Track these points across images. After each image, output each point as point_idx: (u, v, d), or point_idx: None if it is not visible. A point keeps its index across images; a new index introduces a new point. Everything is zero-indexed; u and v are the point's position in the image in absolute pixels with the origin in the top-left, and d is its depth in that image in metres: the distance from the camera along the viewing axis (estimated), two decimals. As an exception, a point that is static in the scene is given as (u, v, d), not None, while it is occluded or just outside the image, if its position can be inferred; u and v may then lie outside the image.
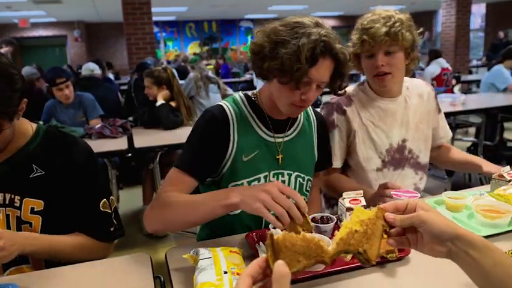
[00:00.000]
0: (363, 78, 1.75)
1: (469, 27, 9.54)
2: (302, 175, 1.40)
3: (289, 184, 1.37)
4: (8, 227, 1.21)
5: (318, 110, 1.64)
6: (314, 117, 1.47)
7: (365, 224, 0.77)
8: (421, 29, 1.60)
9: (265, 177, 1.33)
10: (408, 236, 0.82)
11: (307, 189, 1.44)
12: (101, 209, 1.29)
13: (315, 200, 1.56)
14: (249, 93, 1.37)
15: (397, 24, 1.48)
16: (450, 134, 1.85)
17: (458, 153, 1.86)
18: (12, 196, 1.20)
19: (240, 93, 1.38)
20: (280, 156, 1.34)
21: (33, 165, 1.22)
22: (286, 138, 1.36)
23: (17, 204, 1.20)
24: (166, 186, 1.24)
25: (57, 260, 1.23)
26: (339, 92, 1.30)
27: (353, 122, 1.63)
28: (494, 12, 14.33)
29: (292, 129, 1.38)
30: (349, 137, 1.65)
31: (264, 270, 0.62)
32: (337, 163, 1.66)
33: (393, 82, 1.59)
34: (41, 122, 3.36)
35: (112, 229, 1.32)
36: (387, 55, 1.52)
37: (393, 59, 1.52)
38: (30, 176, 1.21)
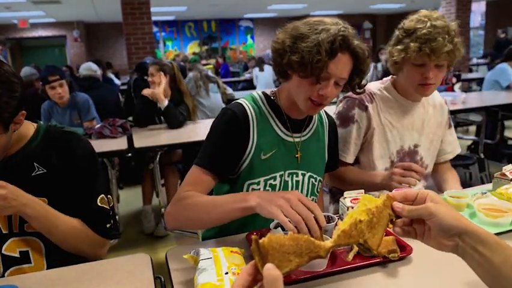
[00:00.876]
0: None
1: (469, 25, 9.53)
2: (315, 176, 1.41)
3: (302, 184, 1.38)
4: (10, 225, 1.21)
5: (336, 104, 1.69)
6: (326, 120, 1.48)
7: (371, 213, 0.75)
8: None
9: (280, 176, 1.33)
10: (415, 227, 0.80)
11: (318, 190, 1.45)
12: (99, 204, 1.29)
13: (319, 202, 1.56)
14: (268, 92, 1.38)
15: (455, 40, 1.48)
16: (458, 150, 1.81)
17: (455, 179, 1.74)
18: None
19: (259, 91, 1.39)
20: (299, 155, 1.36)
21: (35, 164, 1.23)
22: (302, 138, 1.38)
23: None
24: (186, 186, 1.25)
25: (50, 237, 1.22)
26: (358, 90, 1.33)
27: (373, 120, 1.63)
28: (494, 10, 14.32)
29: (307, 130, 1.40)
30: (366, 134, 1.65)
31: (254, 276, 0.60)
32: (350, 158, 1.66)
33: (433, 90, 1.61)
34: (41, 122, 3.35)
35: (108, 226, 1.32)
36: (437, 67, 1.52)
37: (440, 72, 1.54)
38: (32, 174, 1.22)
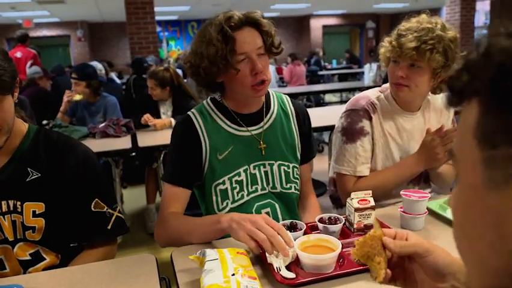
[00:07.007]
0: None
1: (474, 24, 9.48)
2: (286, 163, 1.42)
3: (273, 174, 1.40)
4: (15, 233, 1.21)
5: (339, 116, 1.64)
6: (292, 108, 1.47)
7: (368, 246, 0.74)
8: (464, 53, 1.51)
9: (245, 170, 1.36)
10: (397, 271, 0.73)
11: (296, 176, 1.44)
12: (93, 209, 1.27)
13: (314, 205, 1.52)
14: (217, 96, 1.43)
15: (431, 41, 1.38)
16: None
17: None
18: (14, 202, 1.20)
19: (208, 98, 1.44)
20: (262, 146, 1.38)
21: (28, 169, 1.21)
22: (261, 130, 1.39)
23: (19, 210, 1.20)
24: (164, 204, 1.33)
25: None
26: (275, 51, 1.33)
27: (375, 130, 1.59)
28: (498, 9, 14.25)
29: (266, 120, 1.40)
30: (374, 144, 1.61)
31: None
32: (367, 171, 1.59)
33: (409, 96, 1.52)
34: (44, 122, 3.34)
35: (108, 228, 1.30)
36: (411, 67, 1.45)
37: (414, 74, 1.44)
38: (27, 180, 1.21)
